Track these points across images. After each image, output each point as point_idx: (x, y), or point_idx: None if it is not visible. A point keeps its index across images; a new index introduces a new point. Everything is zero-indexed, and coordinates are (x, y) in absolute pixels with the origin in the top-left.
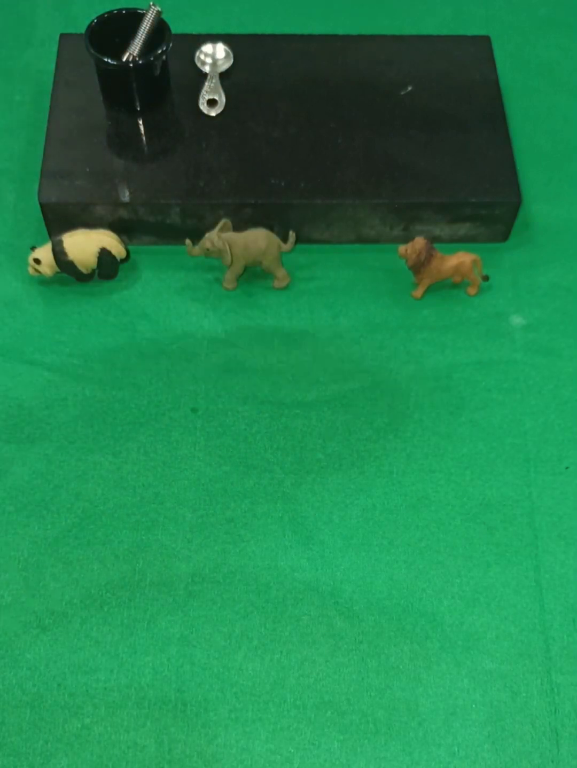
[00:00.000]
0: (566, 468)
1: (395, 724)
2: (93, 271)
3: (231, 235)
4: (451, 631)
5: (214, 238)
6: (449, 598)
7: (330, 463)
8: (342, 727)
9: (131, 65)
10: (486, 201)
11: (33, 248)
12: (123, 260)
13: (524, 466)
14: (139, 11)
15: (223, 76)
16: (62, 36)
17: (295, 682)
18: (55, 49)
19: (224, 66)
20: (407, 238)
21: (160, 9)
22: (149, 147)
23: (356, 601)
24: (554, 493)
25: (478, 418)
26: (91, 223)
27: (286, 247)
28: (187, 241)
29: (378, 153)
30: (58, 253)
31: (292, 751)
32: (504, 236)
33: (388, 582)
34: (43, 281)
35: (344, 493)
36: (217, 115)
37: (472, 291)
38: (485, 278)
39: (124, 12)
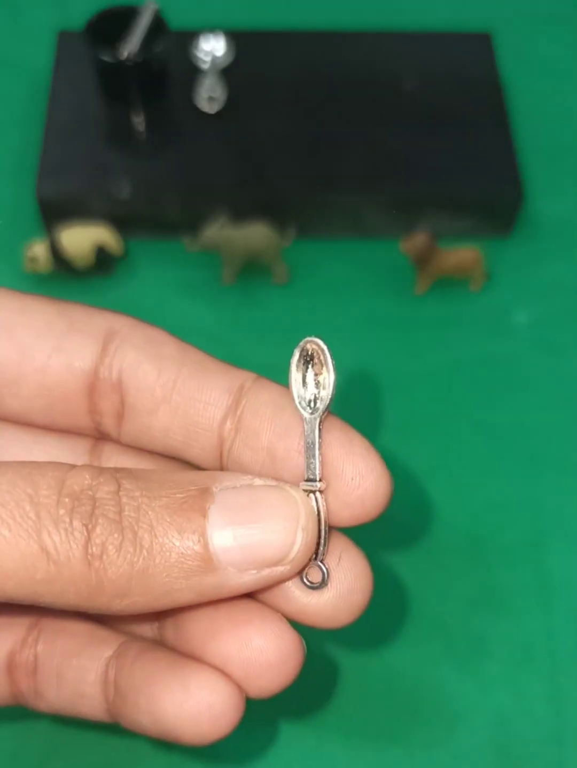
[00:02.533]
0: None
1: (398, 729)
2: (90, 266)
3: (230, 230)
4: (454, 633)
5: (212, 233)
6: (452, 601)
7: None
8: (344, 731)
9: (130, 62)
10: (488, 196)
11: (30, 244)
12: (121, 256)
13: (529, 465)
14: (138, 8)
15: (223, 72)
16: (61, 33)
17: (295, 685)
18: (53, 45)
19: (224, 62)
20: (408, 234)
21: (157, 5)
22: (148, 143)
23: None
24: (560, 492)
25: (481, 416)
26: (88, 218)
27: (285, 242)
28: (186, 237)
29: (379, 148)
30: (55, 249)
31: (292, 755)
32: (507, 231)
33: (390, 584)
34: (40, 277)
35: None
36: (217, 111)
37: (474, 287)
38: (487, 274)
39: (123, 8)
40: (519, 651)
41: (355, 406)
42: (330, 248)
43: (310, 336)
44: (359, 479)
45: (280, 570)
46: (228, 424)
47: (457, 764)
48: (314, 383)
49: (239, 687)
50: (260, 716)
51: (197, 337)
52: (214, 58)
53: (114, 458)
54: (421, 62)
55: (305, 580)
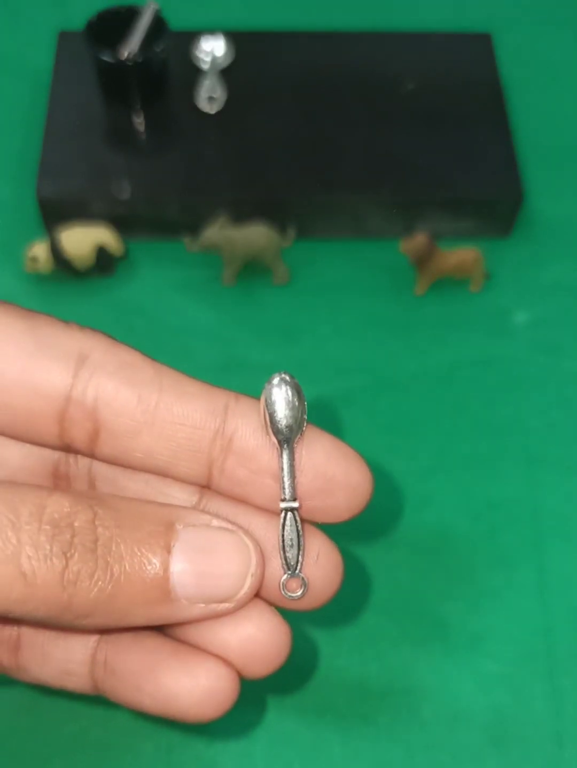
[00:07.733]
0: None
1: (397, 729)
2: (90, 267)
3: (230, 231)
4: (454, 633)
5: (213, 233)
6: (451, 600)
7: None
8: (343, 731)
9: (130, 62)
10: (488, 196)
11: (30, 244)
12: (121, 256)
13: (528, 466)
14: (138, 8)
15: (223, 73)
16: (61, 33)
17: (295, 685)
18: (53, 46)
19: (224, 62)
20: (408, 235)
21: (158, 6)
22: (148, 143)
23: (357, 604)
24: (559, 493)
25: (481, 417)
26: (89, 219)
27: (285, 242)
28: (186, 237)
29: (379, 149)
30: (56, 250)
31: (292, 755)
32: (507, 232)
33: (390, 584)
34: (40, 278)
35: None
36: (217, 111)
37: (474, 288)
38: (487, 275)
39: (123, 8)
40: (518, 651)
41: (355, 406)
42: (330, 248)
43: (280, 372)
44: (344, 488)
45: (225, 606)
46: (218, 446)
47: (457, 764)
48: (287, 411)
49: (237, 672)
50: (260, 717)
51: (197, 337)
52: (214, 58)
53: (85, 462)
54: (421, 62)
55: (284, 591)
